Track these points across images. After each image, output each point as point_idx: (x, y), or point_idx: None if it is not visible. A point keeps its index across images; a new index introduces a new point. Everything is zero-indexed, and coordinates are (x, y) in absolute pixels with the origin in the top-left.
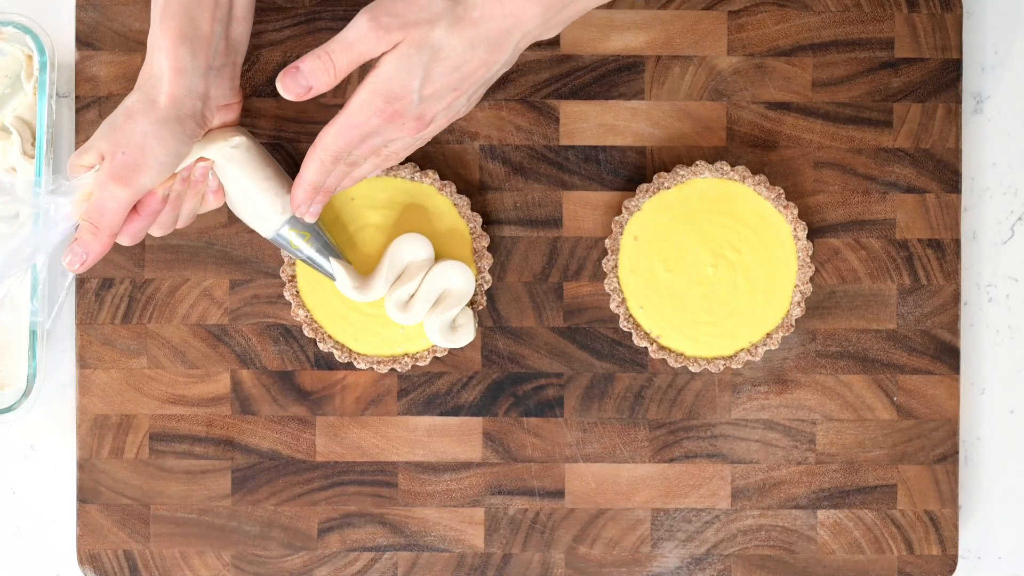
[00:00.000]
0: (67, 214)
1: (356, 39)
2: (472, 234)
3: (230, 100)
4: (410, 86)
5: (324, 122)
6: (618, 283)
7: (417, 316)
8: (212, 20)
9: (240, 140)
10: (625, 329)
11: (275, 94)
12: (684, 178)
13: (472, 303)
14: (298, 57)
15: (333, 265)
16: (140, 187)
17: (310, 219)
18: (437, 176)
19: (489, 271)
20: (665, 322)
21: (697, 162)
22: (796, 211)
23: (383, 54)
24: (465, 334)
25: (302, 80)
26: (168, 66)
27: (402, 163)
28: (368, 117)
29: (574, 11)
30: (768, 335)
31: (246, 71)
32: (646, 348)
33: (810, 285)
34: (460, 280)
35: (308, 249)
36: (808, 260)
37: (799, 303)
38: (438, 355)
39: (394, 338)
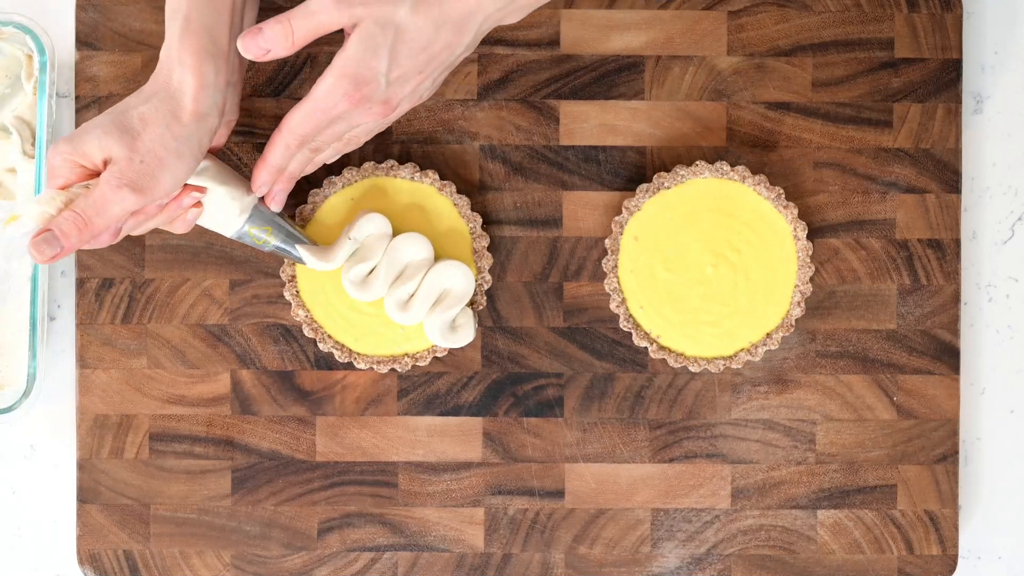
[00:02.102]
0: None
1: (318, 9)
2: (472, 234)
3: (233, 117)
4: (377, 69)
5: None
6: (618, 283)
7: (417, 316)
8: (230, 37)
9: (205, 163)
10: (625, 329)
11: (275, 94)
12: (684, 178)
13: (472, 303)
14: (295, 58)
15: (299, 251)
16: (151, 199)
17: (276, 208)
18: (437, 176)
19: (489, 271)
20: (665, 322)
21: (697, 162)
22: (796, 211)
23: (348, 35)
24: (465, 334)
25: (261, 42)
26: (194, 82)
27: (402, 163)
28: (336, 101)
29: None
30: (768, 335)
31: (245, 71)
32: (646, 348)
33: (810, 285)
34: (460, 280)
35: (274, 241)
36: (808, 260)
37: (799, 303)
38: (438, 355)
39: (394, 338)
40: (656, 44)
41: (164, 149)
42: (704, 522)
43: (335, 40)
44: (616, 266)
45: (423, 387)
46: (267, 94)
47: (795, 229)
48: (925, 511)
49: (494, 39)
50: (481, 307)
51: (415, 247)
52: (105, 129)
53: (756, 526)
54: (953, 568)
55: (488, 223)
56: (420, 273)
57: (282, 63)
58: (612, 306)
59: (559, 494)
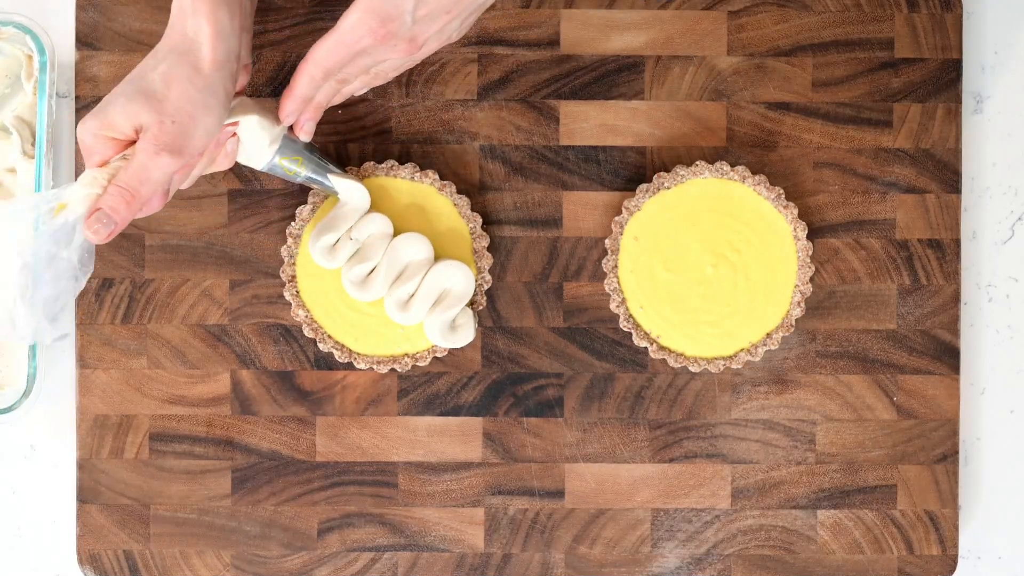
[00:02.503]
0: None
1: None
2: (472, 234)
3: (248, 61)
4: (403, 6)
5: (325, 122)
6: (618, 283)
7: (417, 316)
8: None
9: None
10: (625, 329)
11: (275, 94)
12: (684, 178)
13: (472, 303)
14: (297, 57)
15: (331, 180)
16: (189, 156)
17: (305, 137)
18: (437, 176)
19: (489, 271)
20: (665, 322)
21: (697, 162)
22: (796, 211)
23: None
24: (465, 334)
25: None
26: (210, 30)
27: (402, 163)
28: (360, 36)
29: None
30: (768, 335)
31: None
32: (646, 348)
33: (810, 285)
34: (460, 280)
35: (304, 172)
36: (808, 260)
37: (799, 303)
38: (438, 355)
39: (394, 338)
40: (656, 44)
41: (192, 104)
42: (704, 522)
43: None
44: (616, 266)
45: (423, 387)
46: (267, 94)
47: (795, 229)
48: (925, 511)
49: (494, 39)
50: (481, 307)
51: (415, 247)
52: (129, 97)
53: (756, 526)
54: (953, 568)
55: (488, 223)
56: (420, 273)
57: (282, 62)
58: (612, 306)
59: (559, 494)
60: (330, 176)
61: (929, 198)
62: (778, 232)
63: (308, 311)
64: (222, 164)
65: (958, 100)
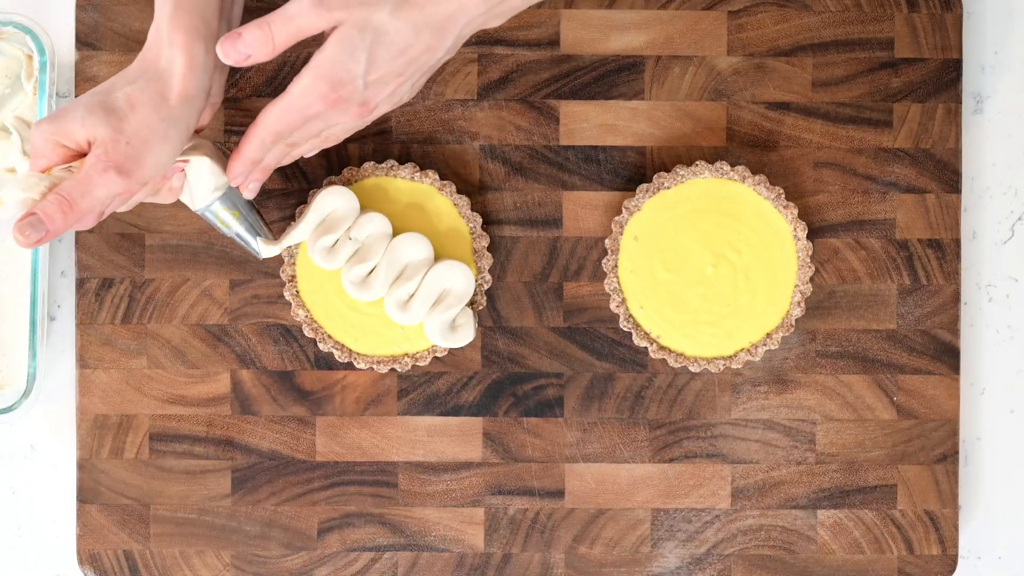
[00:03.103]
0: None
1: (296, 13)
2: (472, 234)
3: (218, 99)
4: (355, 71)
5: None
6: (618, 283)
7: (417, 316)
8: (219, 17)
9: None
10: (625, 329)
11: (275, 93)
12: (684, 178)
13: (472, 303)
14: (296, 58)
15: (260, 245)
16: (136, 181)
17: (249, 195)
18: (437, 176)
19: (489, 271)
20: (665, 322)
21: (697, 162)
22: (796, 211)
23: (327, 35)
24: (465, 334)
25: (241, 47)
26: (183, 62)
27: (402, 163)
28: (311, 102)
29: (518, 1)
30: (768, 335)
31: (245, 72)
32: (646, 348)
33: (810, 285)
34: (460, 280)
35: (236, 227)
36: (808, 260)
37: (799, 303)
38: (438, 355)
39: (394, 338)
40: (656, 44)
41: (151, 131)
42: (704, 522)
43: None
44: (616, 266)
45: (423, 387)
46: (267, 94)
47: (795, 229)
48: (925, 511)
49: (494, 39)
50: (481, 307)
51: (415, 247)
52: (90, 109)
53: (756, 526)
54: (953, 568)
55: (488, 223)
56: (420, 273)
57: (282, 63)
58: (612, 306)
59: (559, 494)
60: (259, 240)
61: (929, 198)
62: (778, 232)
63: (308, 311)
64: (164, 198)
65: (958, 100)
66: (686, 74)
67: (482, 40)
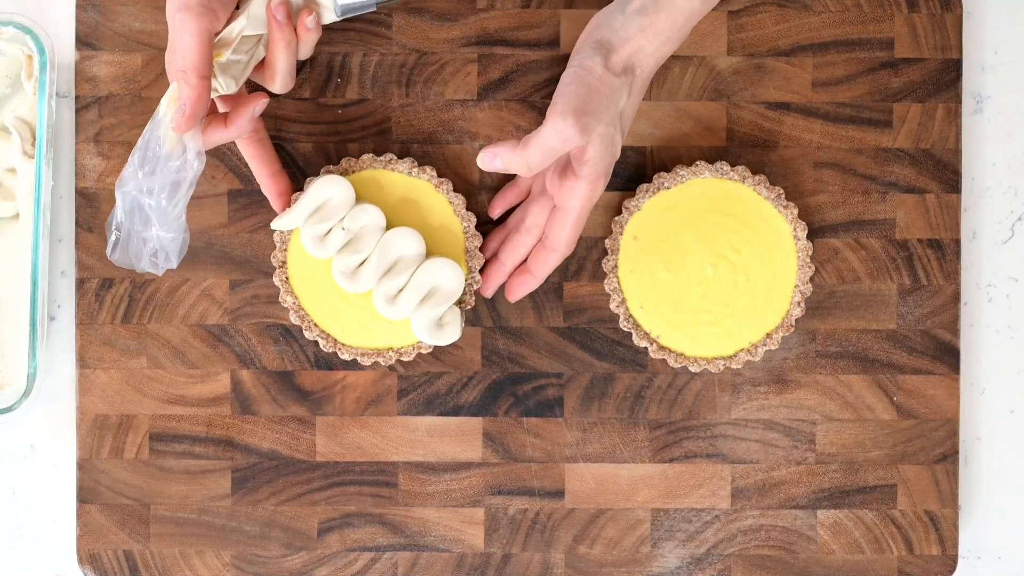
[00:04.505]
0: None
1: (560, 145)
2: (465, 233)
3: None
4: (613, 157)
5: (325, 122)
6: (618, 283)
7: (404, 311)
8: None
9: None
10: (625, 329)
11: (275, 94)
12: (684, 178)
13: (460, 302)
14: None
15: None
16: (205, 7)
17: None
18: (435, 172)
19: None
20: (665, 322)
21: (697, 162)
22: (796, 211)
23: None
24: (451, 332)
25: (499, 164)
26: None
27: (401, 157)
28: (592, 204)
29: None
30: (768, 335)
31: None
32: (646, 348)
33: (810, 285)
34: (449, 278)
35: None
36: (808, 260)
37: (799, 303)
38: (422, 351)
39: (380, 332)
40: None
41: None
42: (704, 522)
43: (335, 40)
44: (616, 266)
45: (423, 387)
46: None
47: (795, 229)
48: (925, 511)
49: (494, 39)
50: (469, 306)
51: (407, 241)
52: None
53: (756, 526)
54: (953, 568)
55: (488, 223)
56: (410, 268)
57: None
58: (612, 306)
59: (559, 494)
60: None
61: (929, 198)
62: (778, 232)
63: (296, 298)
64: (309, 39)
65: (958, 100)
66: (686, 74)
67: (482, 40)
